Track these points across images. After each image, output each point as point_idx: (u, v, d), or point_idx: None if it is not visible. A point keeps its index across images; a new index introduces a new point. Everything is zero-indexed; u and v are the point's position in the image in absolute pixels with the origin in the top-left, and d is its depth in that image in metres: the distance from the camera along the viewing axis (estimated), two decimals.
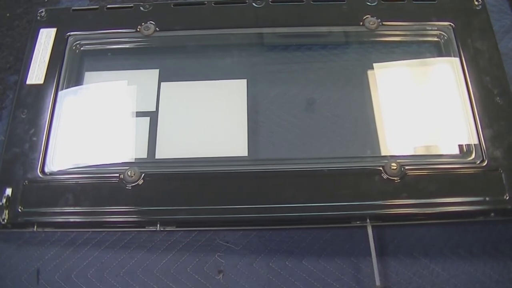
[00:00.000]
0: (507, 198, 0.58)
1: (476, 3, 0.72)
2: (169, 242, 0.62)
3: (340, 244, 0.61)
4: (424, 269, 0.60)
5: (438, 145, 0.65)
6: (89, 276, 0.60)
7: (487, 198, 0.59)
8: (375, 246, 0.59)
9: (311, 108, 0.68)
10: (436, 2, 0.73)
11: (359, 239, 0.61)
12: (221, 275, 0.60)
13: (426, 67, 0.70)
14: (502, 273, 0.59)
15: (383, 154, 0.64)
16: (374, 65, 0.70)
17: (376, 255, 0.58)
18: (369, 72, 0.70)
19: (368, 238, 0.58)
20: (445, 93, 0.67)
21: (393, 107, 0.67)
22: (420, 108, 0.67)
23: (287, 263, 0.61)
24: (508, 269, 0.60)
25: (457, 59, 0.68)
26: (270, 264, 0.60)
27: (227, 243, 0.62)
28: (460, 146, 0.63)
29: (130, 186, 0.60)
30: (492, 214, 0.59)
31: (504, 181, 0.59)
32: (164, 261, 0.61)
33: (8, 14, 0.81)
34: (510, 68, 0.71)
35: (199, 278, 0.60)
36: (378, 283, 0.56)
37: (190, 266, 0.61)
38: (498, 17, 0.79)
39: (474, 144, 0.62)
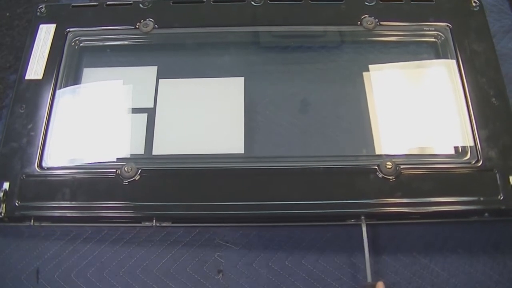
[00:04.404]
0: (501, 198, 0.59)
1: (474, 4, 0.72)
2: (169, 242, 0.62)
3: (340, 244, 0.62)
4: (424, 269, 0.60)
5: (433, 145, 0.65)
6: (88, 275, 0.60)
7: (481, 198, 0.59)
8: (375, 246, 0.60)
9: (308, 107, 0.68)
10: (433, 2, 0.73)
11: (358, 239, 0.60)
12: (220, 274, 0.60)
13: (423, 68, 0.70)
14: (502, 273, 0.60)
15: (378, 153, 0.64)
16: (370, 66, 0.70)
17: (371, 253, 0.58)
18: (366, 72, 0.70)
19: (368, 233, 0.58)
20: (441, 93, 0.67)
21: (390, 107, 0.67)
22: (416, 108, 0.67)
23: (286, 263, 0.61)
24: (508, 269, 0.60)
25: (453, 60, 0.68)
26: (270, 264, 0.61)
27: (227, 242, 0.62)
28: (456, 146, 0.64)
29: (127, 181, 0.61)
30: (486, 214, 0.59)
31: (498, 182, 0.59)
32: (163, 260, 0.61)
33: (8, 14, 0.82)
34: (510, 68, 0.72)
35: (198, 278, 0.60)
36: (369, 279, 0.56)
37: (190, 266, 0.61)
38: (498, 17, 0.79)
39: (470, 145, 0.63)
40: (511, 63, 0.74)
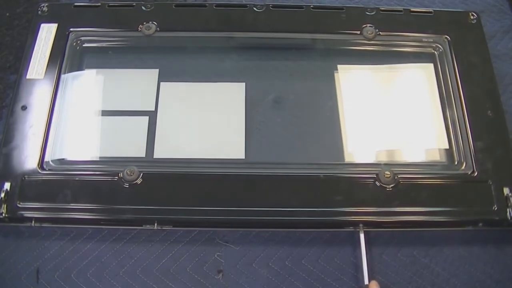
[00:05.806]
0: (495, 209, 0.60)
1: (472, 17, 0.74)
2: (169, 242, 0.62)
3: (340, 244, 0.62)
4: (424, 269, 0.61)
5: (430, 155, 0.66)
6: (88, 275, 0.60)
7: (476, 209, 0.60)
8: (375, 246, 0.61)
9: (310, 114, 0.69)
10: (432, 14, 0.74)
11: (358, 239, 0.61)
12: (220, 274, 0.60)
13: (421, 77, 0.72)
14: (503, 272, 0.60)
15: (377, 162, 0.65)
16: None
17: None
18: (367, 79, 0.71)
19: (365, 240, 0.59)
20: (438, 105, 0.68)
21: (388, 118, 0.68)
22: (414, 118, 0.68)
23: (286, 263, 0.61)
24: (508, 268, 0.61)
25: (452, 72, 0.69)
26: (270, 264, 0.61)
27: (227, 243, 0.62)
28: (452, 157, 0.65)
29: (128, 184, 0.61)
30: (480, 224, 0.61)
31: (493, 193, 0.61)
32: (163, 260, 0.61)
33: (8, 14, 0.81)
34: (510, 68, 0.73)
35: (198, 278, 0.60)
36: (366, 282, 0.58)
37: (190, 266, 0.61)
38: (498, 17, 0.80)
39: (465, 156, 0.64)
40: (511, 63, 0.75)
